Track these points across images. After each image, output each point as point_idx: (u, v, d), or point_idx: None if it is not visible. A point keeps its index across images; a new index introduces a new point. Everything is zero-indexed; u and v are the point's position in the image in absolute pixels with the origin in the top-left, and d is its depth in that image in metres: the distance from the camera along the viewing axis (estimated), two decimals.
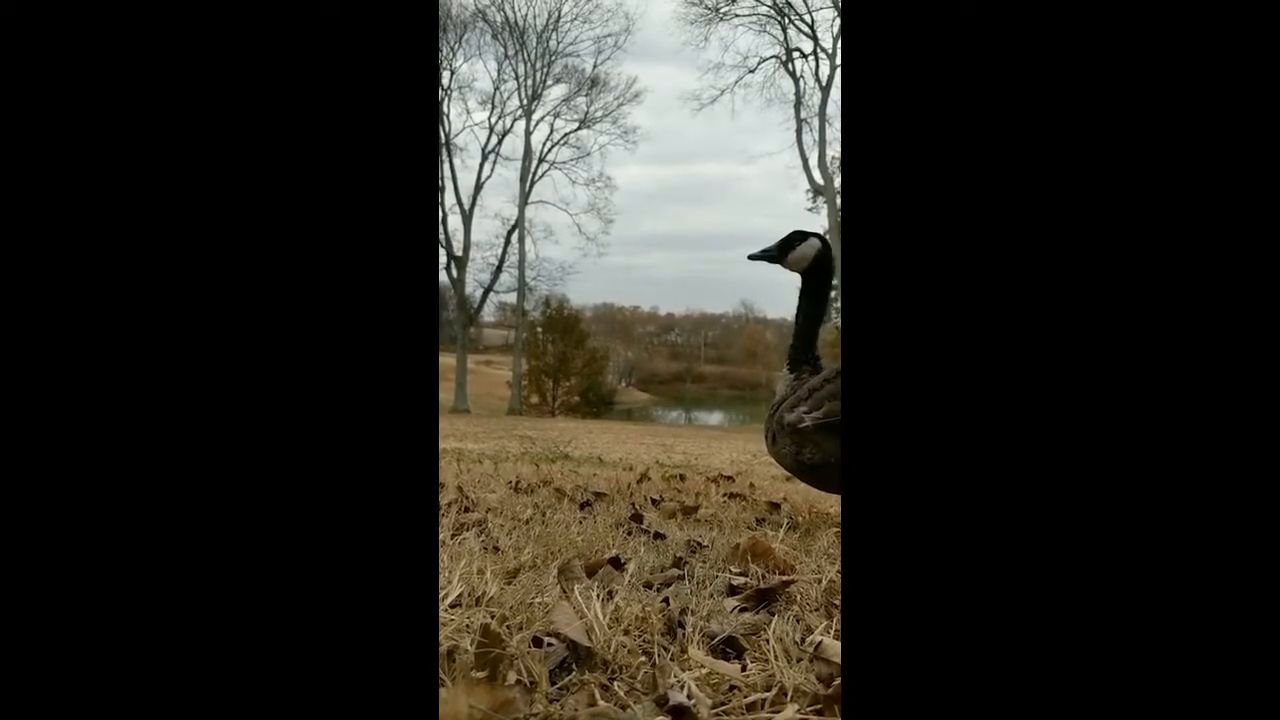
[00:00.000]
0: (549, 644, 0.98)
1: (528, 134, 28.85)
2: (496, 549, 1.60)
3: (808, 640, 1.04)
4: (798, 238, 2.31)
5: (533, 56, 28.51)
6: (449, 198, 27.38)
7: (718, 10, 25.90)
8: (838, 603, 1.23)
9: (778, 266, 2.33)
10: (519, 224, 28.73)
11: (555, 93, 30.09)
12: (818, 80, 25.38)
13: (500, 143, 28.90)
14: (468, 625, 1.04)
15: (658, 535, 1.83)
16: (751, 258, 2.36)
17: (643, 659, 0.97)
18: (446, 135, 27.47)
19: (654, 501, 2.49)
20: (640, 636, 1.04)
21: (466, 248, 27.91)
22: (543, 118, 29.44)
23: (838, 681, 0.89)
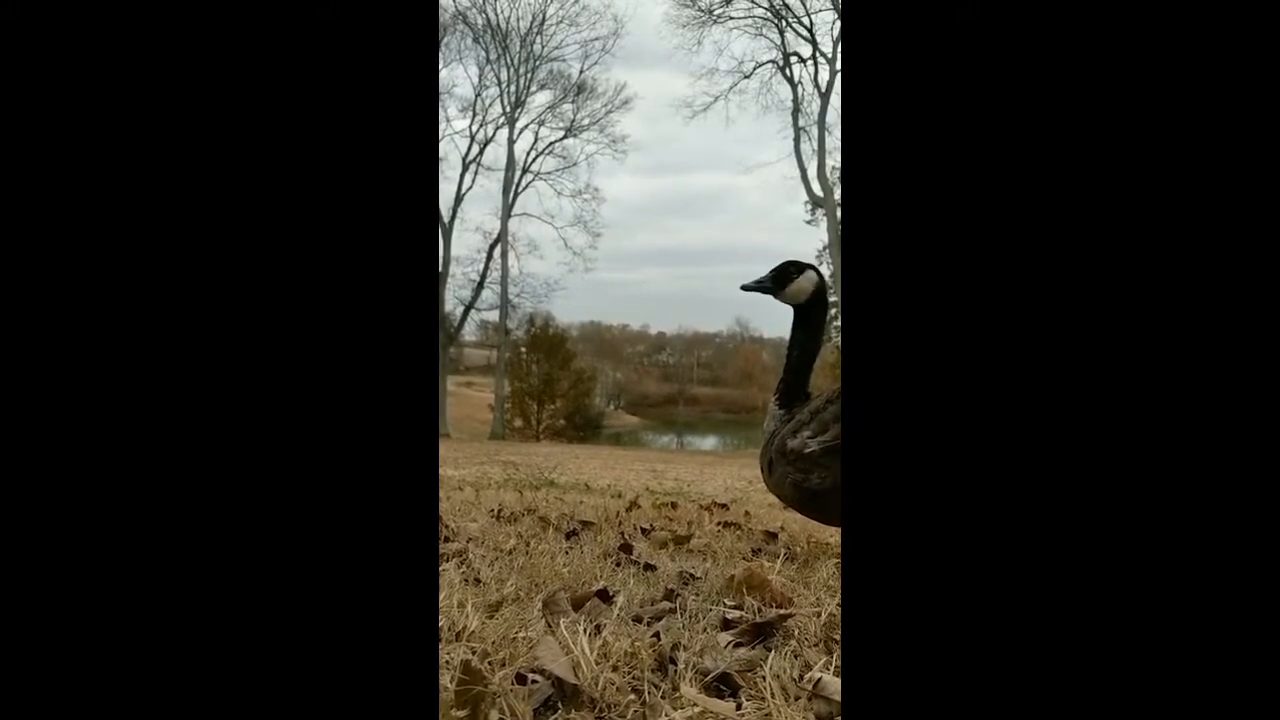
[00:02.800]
0: (533, 681, 0.98)
1: (511, 143, 28.92)
2: (478, 581, 1.59)
3: (806, 677, 1.04)
4: (793, 269, 2.32)
5: (516, 61, 28.62)
6: None
7: (711, 13, 26.05)
8: (837, 638, 1.23)
9: None
10: (502, 238, 28.75)
11: (540, 99, 30.05)
12: (816, 86, 25.53)
13: (482, 152, 28.94)
14: (447, 661, 1.04)
15: (648, 566, 1.83)
16: (745, 288, 2.37)
17: (632, 697, 0.97)
18: None
19: (644, 531, 2.49)
20: (629, 673, 1.04)
21: (446, 263, 27.85)
22: (526, 126, 29.53)
23: None
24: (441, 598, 1.34)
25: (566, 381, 34.06)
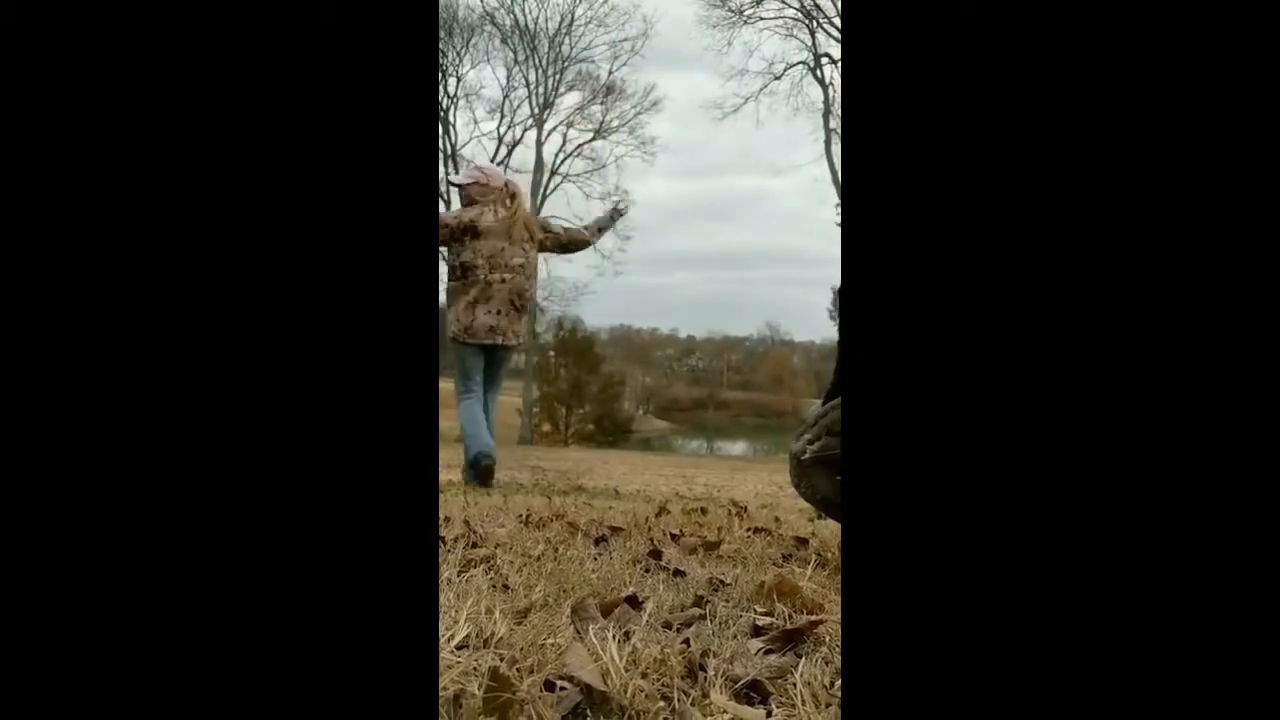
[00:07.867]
0: (562, 688, 0.99)
1: (539, 145, 28.98)
2: (506, 587, 1.60)
3: (837, 684, 1.04)
4: None
5: (544, 62, 28.68)
6: None
7: (741, 13, 26.01)
8: None
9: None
10: None
11: (568, 101, 30.05)
12: None
13: (510, 154, 28.94)
14: (475, 668, 1.04)
15: (677, 572, 1.83)
16: None
17: (661, 704, 0.98)
18: (453, 146, 27.61)
19: (673, 536, 2.49)
20: (659, 680, 1.05)
21: None
22: (555, 128, 29.56)
23: None
24: (469, 604, 1.35)
25: (595, 386, 34.07)
